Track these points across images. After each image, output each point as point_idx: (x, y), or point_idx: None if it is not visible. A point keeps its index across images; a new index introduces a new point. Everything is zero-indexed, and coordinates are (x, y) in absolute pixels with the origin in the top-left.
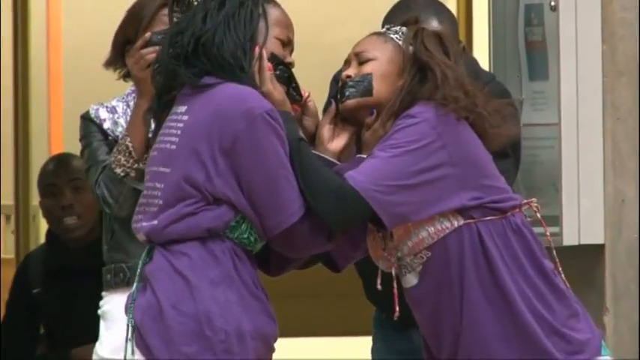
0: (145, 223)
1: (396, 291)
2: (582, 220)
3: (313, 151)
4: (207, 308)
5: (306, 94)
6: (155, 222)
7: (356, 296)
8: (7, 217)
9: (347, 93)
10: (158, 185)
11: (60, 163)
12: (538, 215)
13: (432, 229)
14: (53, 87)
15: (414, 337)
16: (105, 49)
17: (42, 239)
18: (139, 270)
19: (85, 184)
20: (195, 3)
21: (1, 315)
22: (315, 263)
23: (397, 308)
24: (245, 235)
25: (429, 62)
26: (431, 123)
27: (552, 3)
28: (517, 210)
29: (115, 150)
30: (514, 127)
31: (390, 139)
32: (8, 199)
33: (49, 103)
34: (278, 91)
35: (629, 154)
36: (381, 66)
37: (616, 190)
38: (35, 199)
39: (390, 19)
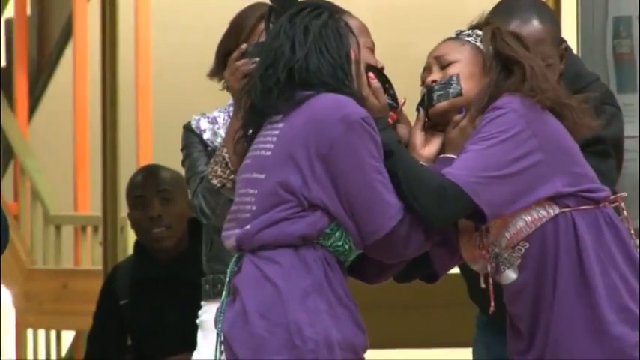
0: (237, 230)
1: (491, 287)
2: None
3: None
4: (297, 317)
5: (402, 101)
6: (248, 227)
7: (458, 306)
8: (95, 229)
9: (436, 96)
10: (251, 191)
11: (148, 174)
12: (625, 213)
13: (529, 218)
14: (141, 99)
15: None
16: (193, 61)
17: (129, 251)
18: (227, 279)
19: (174, 195)
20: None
21: (89, 325)
22: (413, 278)
23: (492, 303)
24: (339, 243)
25: (515, 56)
26: (518, 112)
27: None
28: (607, 202)
29: (211, 161)
30: (595, 120)
31: (480, 133)
32: (96, 211)
33: (137, 115)
34: (380, 98)
35: None
36: (465, 66)
37: None
38: (123, 210)
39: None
